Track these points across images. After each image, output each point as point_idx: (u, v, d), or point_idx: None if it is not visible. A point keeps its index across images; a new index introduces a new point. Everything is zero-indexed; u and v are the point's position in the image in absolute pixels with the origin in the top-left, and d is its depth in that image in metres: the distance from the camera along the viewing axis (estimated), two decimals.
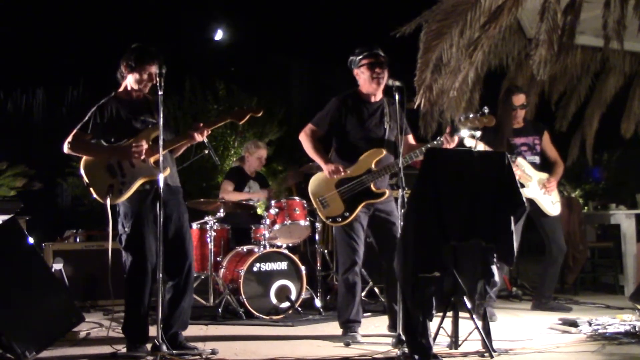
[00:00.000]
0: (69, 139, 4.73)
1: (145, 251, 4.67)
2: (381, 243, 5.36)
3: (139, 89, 4.82)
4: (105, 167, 4.68)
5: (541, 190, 6.48)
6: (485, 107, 5.22)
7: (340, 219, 5.25)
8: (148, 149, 4.67)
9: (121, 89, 4.90)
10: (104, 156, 4.72)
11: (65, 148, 4.73)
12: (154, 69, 4.74)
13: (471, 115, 5.19)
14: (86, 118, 4.76)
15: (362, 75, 5.34)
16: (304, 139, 5.44)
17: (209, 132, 4.86)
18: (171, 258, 4.67)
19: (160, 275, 4.43)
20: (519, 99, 6.52)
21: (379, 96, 5.39)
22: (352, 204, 5.24)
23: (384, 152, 5.27)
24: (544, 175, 6.56)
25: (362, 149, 5.29)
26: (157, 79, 4.61)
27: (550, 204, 6.55)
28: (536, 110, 8.94)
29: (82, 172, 4.71)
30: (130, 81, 4.82)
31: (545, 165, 6.69)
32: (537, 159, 6.62)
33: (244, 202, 7.44)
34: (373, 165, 5.25)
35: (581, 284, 8.28)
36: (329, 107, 5.43)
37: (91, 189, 4.65)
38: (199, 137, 4.80)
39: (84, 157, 4.73)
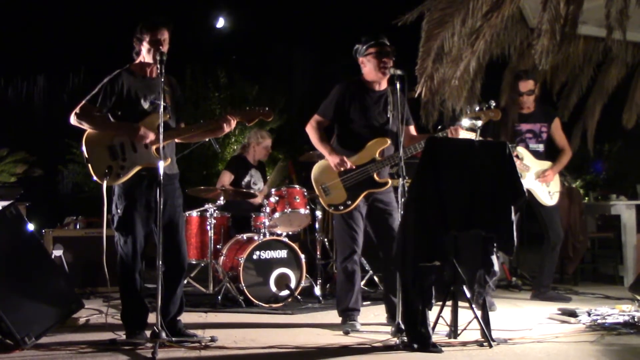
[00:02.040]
0: (77, 110, 4.68)
1: (135, 234, 4.68)
2: (379, 233, 5.35)
3: (153, 61, 4.71)
4: (107, 147, 4.65)
5: (537, 181, 6.48)
6: (492, 101, 5.21)
7: (342, 207, 5.24)
8: (153, 137, 4.66)
9: (136, 62, 4.84)
10: (109, 132, 4.69)
11: (72, 119, 4.68)
12: (165, 35, 4.71)
13: (477, 108, 5.18)
14: (96, 90, 4.71)
15: (367, 64, 5.32)
16: (310, 130, 5.40)
17: (235, 123, 4.86)
18: (163, 244, 4.60)
19: (160, 262, 4.43)
20: (526, 85, 6.52)
21: (383, 85, 5.36)
22: (355, 193, 5.23)
23: (389, 141, 5.25)
24: (545, 165, 6.55)
25: (364, 137, 5.28)
26: (160, 65, 4.56)
27: (547, 194, 6.55)
28: (538, 99, 8.92)
29: (83, 146, 4.67)
30: (144, 54, 4.75)
31: (552, 153, 6.68)
32: (540, 147, 6.61)
33: (244, 191, 7.43)
34: (377, 155, 5.24)
35: (581, 274, 8.28)
36: (333, 94, 5.40)
37: (89, 165, 4.63)
38: (228, 128, 4.82)
39: (87, 131, 4.69)
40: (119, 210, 4.72)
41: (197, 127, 4.91)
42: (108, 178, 4.60)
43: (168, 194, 4.72)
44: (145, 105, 4.75)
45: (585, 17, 6.69)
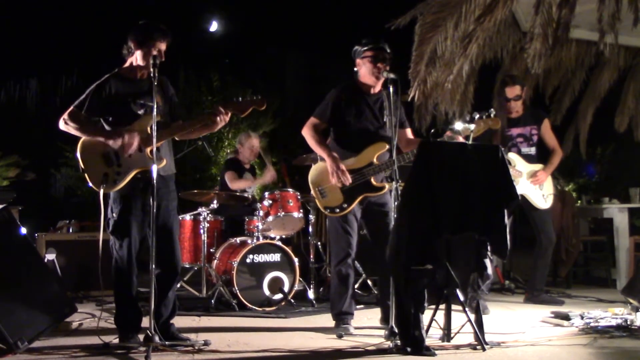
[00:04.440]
0: (65, 115, 4.67)
1: (130, 238, 4.66)
2: (375, 235, 5.34)
3: (145, 66, 4.70)
4: (101, 154, 4.63)
5: (531, 185, 6.50)
6: (492, 109, 5.22)
7: (338, 210, 5.23)
8: (142, 140, 4.63)
9: (125, 66, 4.80)
10: (97, 138, 4.66)
11: (61, 124, 4.68)
12: (163, 46, 4.67)
13: (477, 116, 5.19)
14: (83, 96, 4.69)
15: (363, 66, 5.31)
16: (307, 133, 5.37)
17: (229, 115, 4.77)
18: (157, 247, 4.60)
19: (153, 266, 4.43)
20: (513, 90, 6.52)
21: (378, 88, 5.36)
22: (351, 196, 5.21)
23: (387, 146, 5.24)
24: (537, 167, 6.57)
25: (360, 141, 5.27)
26: (153, 68, 4.54)
27: (541, 197, 6.56)
28: (530, 103, 8.95)
29: (78, 156, 4.66)
30: (137, 57, 4.70)
31: (543, 155, 6.70)
32: (532, 151, 6.63)
33: (238, 194, 7.43)
34: (375, 159, 5.23)
35: (574, 277, 8.30)
36: (329, 98, 5.38)
37: (86, 175, 4.61)
38: (222, 122, 4.73)
39: (81, 142, 4.67)
40: (114, 214, 4.69)
41: (190, 123, 4.82)
42: (105, 185, 4.57)
43: (162, 196, 4.70)
44: (136, 108, 4.72)
45: (578, 21, 6.72)
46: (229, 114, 4.77)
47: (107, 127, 4.73)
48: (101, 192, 4.56)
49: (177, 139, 4.95)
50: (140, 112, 4.71)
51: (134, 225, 4.67)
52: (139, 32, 4.69)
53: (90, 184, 4.62)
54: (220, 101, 13.51)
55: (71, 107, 4.70)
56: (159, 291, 4.67)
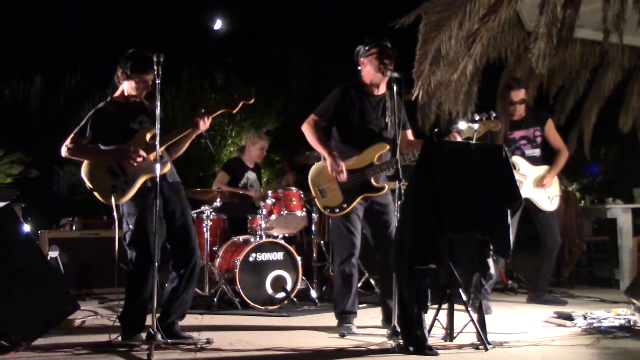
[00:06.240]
0: (67, 143, 4.78)
1: (150, 247, 4.65)
2: (376, 236, 5.34)
3: (135, 95, 4.87)
4: (106, 169, 4.71)
5: (535, 188, 6.47)
6: (492, 112, 5.22)
7: (337, 210, 5.23)
8: (143, 149, 4.69)
9: (117, 94, 4.95)
10: (102, 159, 4.74)
11: (63, 152, 4.77)
12: (150, 77, 4.78)
13: (477, 118, 5.19)
14: (83, 122, 4.81)
15: (368, 65, 5.30)
16: (306, 129, 5.36)
17: (210, 119, 4.88)
18: (178, 252, 4.79)
19: (156, 264, 4.44)
20: (519, 94, 6.48)
21: (382, 89, 5.35)
22: (351, 196, 5.21)
23: (387, 146, 5.24)
24: (542, 169, 6.54)
25: (362, 141, 5.26)
26: (157, 66, 4.56)
27: (547, 199, 6.53)
28: (534, 103, 8.94)
29: (84, 177, 4.74)
30: (126, 87, 4.87)
31: (548, 156, 6.67)
32: (537, 152, 6.59)
33: (241, 192, 7.42)
34: (375, 159, 5.23)
35: (577, 277, 8.29)
36: (332, 97, 5.37)
37: (95, 193, 4.67)
38: (203, 126, 4.82)
39: (84, 163, 4.75)
40: (130, 226, 4.74)
41: (177, 131, 4.88)
42: (115, 195, 4.63)
43: (176, 204, 4.83)
44: (134, 125, 4.82)
45: (582, 21, 6.69)
46: (210, 117, 4.88)
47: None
48: (112, 202, 4.60)
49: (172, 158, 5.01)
50: (141, 126, 4.82)
51: (151, 235, 4.65)
52: (126, 64, 4.81)
53: (101, 199, 4.67)
54: (210, 103, 13.58)
55: (72, 134, 4.81)
56: (174, 293, 4.77)
